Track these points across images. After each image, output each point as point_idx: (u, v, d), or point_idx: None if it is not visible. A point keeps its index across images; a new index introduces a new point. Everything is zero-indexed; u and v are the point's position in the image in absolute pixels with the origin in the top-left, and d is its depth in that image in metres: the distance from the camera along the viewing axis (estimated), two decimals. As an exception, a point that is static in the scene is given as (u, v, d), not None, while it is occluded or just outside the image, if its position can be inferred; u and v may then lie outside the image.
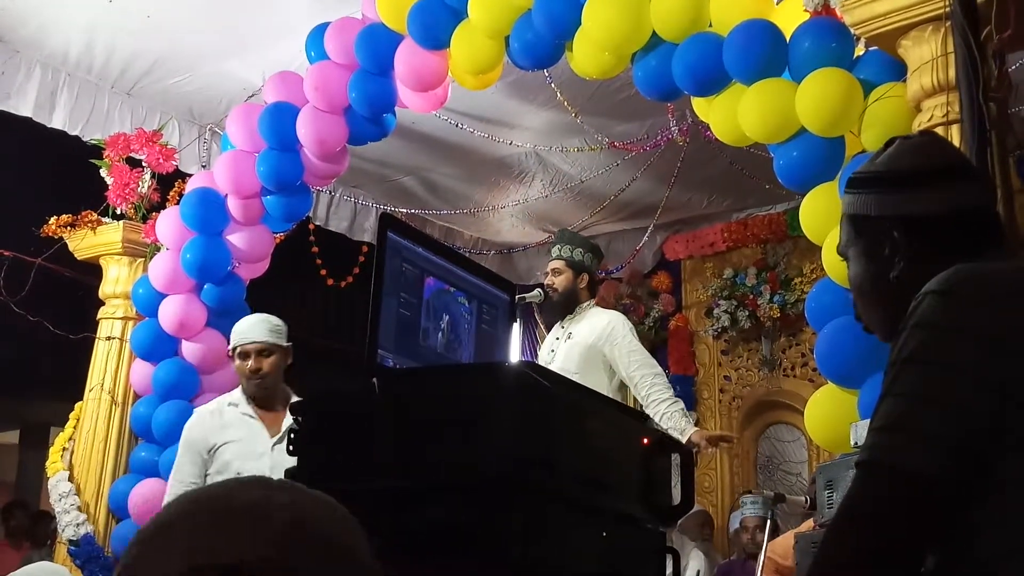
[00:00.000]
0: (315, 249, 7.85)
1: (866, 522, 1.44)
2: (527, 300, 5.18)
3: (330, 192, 8.14)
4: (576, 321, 5.25)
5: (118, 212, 6.40)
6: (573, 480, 2.05)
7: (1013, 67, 4.05)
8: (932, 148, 1.75)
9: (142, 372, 6.00)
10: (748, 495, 7.21)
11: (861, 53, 4.08)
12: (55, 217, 6.41)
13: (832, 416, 3.92)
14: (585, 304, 5.31)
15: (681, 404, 5.01)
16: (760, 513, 6.82)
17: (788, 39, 4.12)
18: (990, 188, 1.71)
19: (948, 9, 3.28)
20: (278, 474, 3.31)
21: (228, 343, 5.99)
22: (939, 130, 3.43)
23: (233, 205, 5.85)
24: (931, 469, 1.39)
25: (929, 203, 1.67)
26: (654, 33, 4.45)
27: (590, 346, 5.11)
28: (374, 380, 2.12)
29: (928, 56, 3.58)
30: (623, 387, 5.22)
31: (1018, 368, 1.41)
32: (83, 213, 6.40)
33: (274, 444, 4.36)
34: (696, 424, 8.78)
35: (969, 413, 1.40)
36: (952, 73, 3.39)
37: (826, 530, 1.50)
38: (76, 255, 6.49)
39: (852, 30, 3.88)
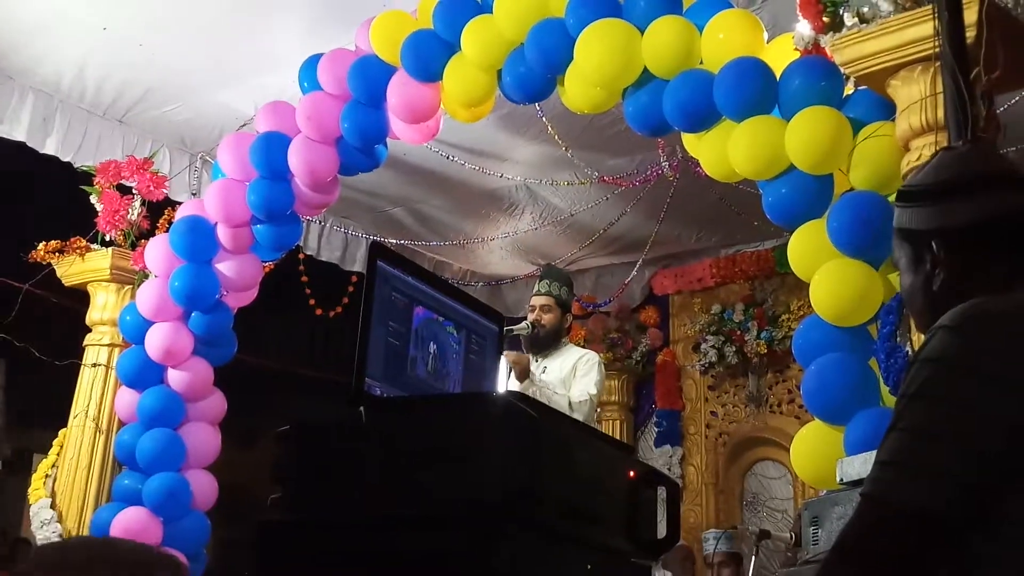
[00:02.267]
0: (304, 279, 7.84)
1: (863, 556, 1.44)
2: (515, 332, 5.18)
3: (320, 222, 8.14)
4: (552, 357, 5.28)
5: (107, 239, 6.39)
6: (560, 512, 2.04)
7: (1001, 108, 4.08)
8: (972, 158, 1.72)
9: (127, 400, 5.97)
10: (709, 531, 7.17)
11: (850, 92, 4.11)
12: (43, 243, 6.41)
13: (818, 453, 3.91)
14: (563, 340, 5.39)
15: (564, 406, 4.97)
16: (724, 548, 6.79)
17: (778, 77, 4.15)
18: None
19: (937, 50, 3.31)
20: None
21: (214, 372, 6.01)
22: (927, 169, 3.44)
23: (223, 233, 5.84)
24: (932, 507, 1.40)
25: (964, 214, 1.65)
26: (645, 69, 4.47)
27: (562, 380, 5.16)
28: (361, 409, 2.11)
29: (917, 96, 3.61)
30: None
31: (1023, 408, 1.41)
32: (72, 239, 6.39)
33: None
34: (682, 459, 8.84)
35: (973, 452, 1.40)
36: (941, 113, 3.42)
37: (823, 562, 1.50)
38: (64, 281, 6.48)
39: (842, 69, 3.91)
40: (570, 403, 4.95)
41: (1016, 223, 1.65)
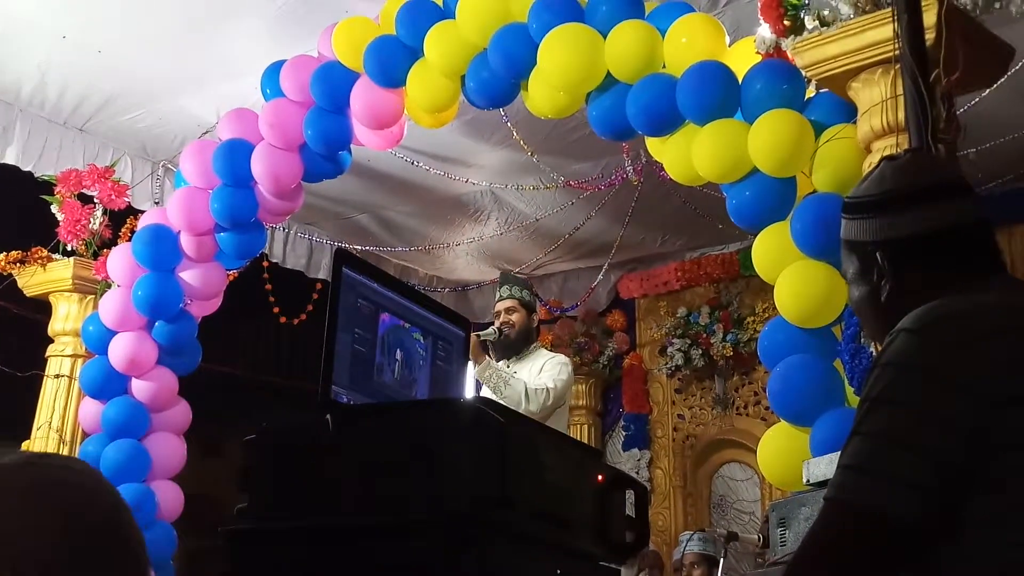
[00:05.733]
0: (268, 286, 7.81)
1: (827, 560, 1.45)
2: (482, 337, 5.17)
3: (284, 229, 8.11)
4: (522, 361, 5.25)
5: (69, 248, 6.33)
6: (529, 516, 2.04)
7: (961, 110, 4.12)
8: (914, 168, 1.73)
9: (91, 410, 5.91)
10: (686, 532, 7.22)
11: (812, 95, 4.14)
12: (4, 253, 6.34)
13: (785, 454, 3.93)
14: (534, 345, 5.36)
15: (521, 391, 4.92)
16: (696, 549, 6.82)
17: (740, 80, 4.17)
18: (979, 206, 1.69)
19: (897, 52, 3.33)
20: None
21: (179, 381, 5.96)
22: (889, 171, 3.47)
23: (186, 242, 5.80)
24: (895, 511, 1.40)
25: (908, 226, 1.66)
26: (608, 73, 4.49)
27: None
28: (328, 416, 2.10)
29: (878, 98, 3.63)
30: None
31: (986, 412, 1.41)
32: (33, 249, 6.33)
33: None
34: (650, 463, 8.86)
35: (935, 456, 1.40)
36: (901, 115, 3.44)
37: (788, 565, 1.50)
38: (25, 292, 6.41)
39: (803, 72, 3.93)
40: (526, 389, 4.91)
41: (958, 233, 1.66)
